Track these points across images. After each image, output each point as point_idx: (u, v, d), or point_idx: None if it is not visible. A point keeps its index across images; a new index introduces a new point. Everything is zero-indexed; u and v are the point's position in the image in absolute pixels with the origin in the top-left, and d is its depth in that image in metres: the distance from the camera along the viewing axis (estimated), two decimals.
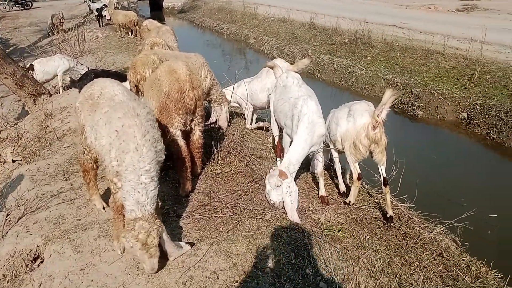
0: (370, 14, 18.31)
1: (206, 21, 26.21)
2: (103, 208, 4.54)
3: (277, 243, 3.89)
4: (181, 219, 4.35)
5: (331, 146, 5.05)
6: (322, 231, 4.18)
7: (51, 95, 9.20)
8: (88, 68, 10.03)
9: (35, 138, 7.08)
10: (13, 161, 6.42)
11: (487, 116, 8.81)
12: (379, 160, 4.57)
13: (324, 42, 15.70)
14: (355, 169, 4.70)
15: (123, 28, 17.05)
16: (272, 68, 5.61)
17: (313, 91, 4.97)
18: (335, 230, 4.17)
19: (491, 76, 10.17)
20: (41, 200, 4.83)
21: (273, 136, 5.56)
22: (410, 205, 5.03)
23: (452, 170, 7.32)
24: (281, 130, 5.36)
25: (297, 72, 5.87)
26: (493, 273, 3.90)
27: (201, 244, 3.90)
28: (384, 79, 11.63)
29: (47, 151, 6.36)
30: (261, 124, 7.14)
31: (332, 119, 4.92)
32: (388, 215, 4.57)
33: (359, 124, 4.50)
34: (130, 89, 5.98)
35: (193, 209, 4.54)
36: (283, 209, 4.43)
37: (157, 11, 31.66)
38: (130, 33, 17.11)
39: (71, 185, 5.17)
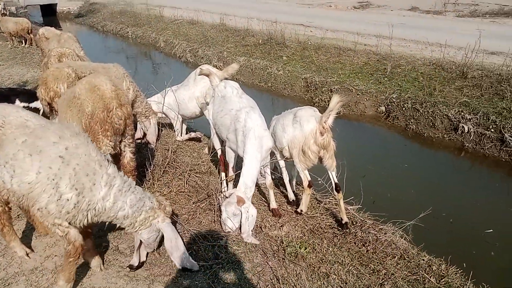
0: (276, 14, 18.51)
1: (108, 25, 24.67)
2: (27, 254, 3.80)
3: (240, 271, 3.54)
4: (124, 256, 3.79)
5: (278, 154, 4.82)
6: (284, 249, 3.91)
7: None
8: None
9: None
10: None
11: (404, 108, 9.26)
12: (329, 166, 4.44)
13: (238, 43, 15.54)
14: (305, 177, 4.51)
15: (15, 36, 15.31)
16: (207, 76, 5.20)
17: (254, 101, 4.69)
18: (296, 247, 3.93)
19: (402, 69, 10.77)
20: None
21: (213, 148, 5.17)
22: (359, 206, 4.99)
23: (382, 165, 7.51)
24: (222, 142, 5.00)
25: (227, 78, 5.55)
26: (452, 269, 3.94)
27: (154, 285, 3.41)
28: (302, 79, 11.74)
29: None
30: (192, 135, 6.68)
31: (277, 127, 4.69)
32: (343, 222, 4.45)
33: (306, 131, 4.32)
34: (43, 109, 5.20)
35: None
36: (238, 231, 4.08)
37: (50, 16, 29.07)
38: (24, 42, 15.42)
39: None
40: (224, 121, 4.56)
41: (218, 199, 4.38)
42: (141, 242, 3.50)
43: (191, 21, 19.85)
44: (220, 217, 4.17)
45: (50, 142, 2.97)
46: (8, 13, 19.56)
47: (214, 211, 4.39)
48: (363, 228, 4.44)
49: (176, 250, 3.43)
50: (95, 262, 3.61)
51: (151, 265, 3.65)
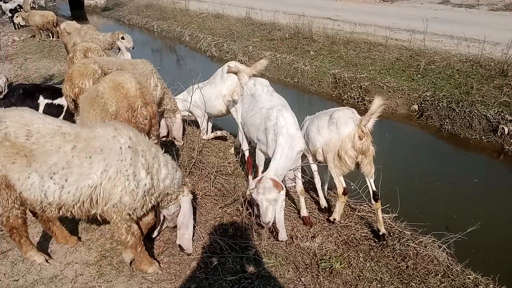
0: (302, 7, 18.08)
1: (134, 18, 24.72)
2: (46, 260, 3.63)
3: (271, 287, 3.28)
4: None
5: (310, 157, 4.52)
6: (317, 264, 3.63)
7: None
8: (7, 78, 8.68)
9: None
10: None
11: (438, 108, 8.79)
12: (367, 172, 4.12)
13: (264, 37, 15.19)
14: (340, 183, 4.20)
15: (42, 30, 15.40)
16: (236, 73, 4.94)
17: (285, 100, 4.41)
18: (331, 261, 3.64)
19: (436, 66, 10.24)
20: None
21: (242, 151, 4.92)
22: (395, 215, 4.64)
23: (418, 169, 7.08)
24: (250, 143, 4.74)
25: (255, 75, 5.29)
26: None
27: None
28: (330, 74, 11.34)
29: None
30: (218, 133, 6.45)
31: (311, 128, 4.38)
32: (380, 233, 4.13)
33: (343, 134, 4.00)
34: (67, 105, 5.05)
35: (159, 251, 3.80)
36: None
37: (78, 9, 29.33)
38: (51, 35, 15.49)
39: (1, 231, 4.15)
40: (254, 121, 4.28)
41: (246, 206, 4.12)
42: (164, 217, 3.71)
43: (217, 15, 19.63)
44: (255, 209, 3.81)
45: (109, 138, 3.01)
46: (37, 7, 19.75)
47: (242, 218, 4.14)
48: (401, 240, 4.09)
49: (185, 228, 3.58)
50: (151, 268, 3.49)
51: (177, 277, 3.44)
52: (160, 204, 3.50)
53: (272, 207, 3.59)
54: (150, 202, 3.23)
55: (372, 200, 4.12)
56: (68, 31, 10.39)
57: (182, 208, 3.56)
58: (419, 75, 10.12)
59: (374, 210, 4.35)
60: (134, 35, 21.99)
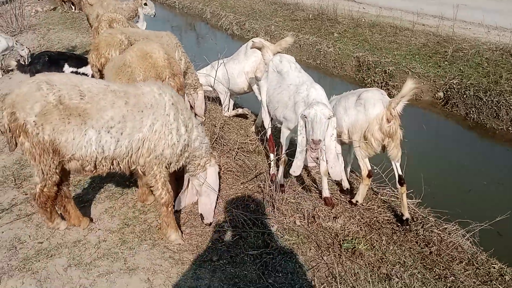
0: None
1: None
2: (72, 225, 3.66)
3: (293, 264, 3.26)
4: None
5: None
6: (339, 244, 3.59)
7: None
8: (29, 48, 8.71)
9: None
10: None
11: (465, 96, 8.56)
12: (394, 156, 4.02)
13: (287, 17, 14.97)
14: (365, 165, 4.13)
15: (64, 1, 15.40)
16: (260, 49, 4.84)
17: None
18: (354, 243, 3.60)
19: (464, 54, 9.95)
20: None
21: (262, 127, 4.86)
22: (419, 201, 4.56)
23: (443, 156, 6.94)
24: (271, 120, 4.65)
25: (279, 53, 5.17)
26: None
27: (200, 271, 3.19)
28: (354, 57, 11.11)
29: None
30: (240, 111, 6.38)
31: (338, 108, 4.28)
32: (404, 218, 4.06)
33: (371, 115, 3.90)
34: (93, 75, 5.04)
35: (181, 222, 3.80)
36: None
37: None
38: (73, 7, 15.47)
39: (26, 194, 4.20)
40: (282, 98, 4.19)
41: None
42: (186, 188, 3.80)
43: None
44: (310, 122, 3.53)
45: (155, 95, 3.16)
46: None
47: (263, 194, 4.12)
48: (425, 226, 4.02)
49: (206, 196, 3.69)
50: (175, 235, 3.51)
51: (198, 248, 3.44)
52: (187, 169, 3.56)
53: (325, 124, 3.52)
54: (182, 160, 3.37)
55: (397, 184, 4.04)
56: (90, 3, 10.33)
57: (208, 177, 3.65)
58: (446, 62, 9.85)
59: (397, 194, 4.29)
60: (155, 10, 21.99)
